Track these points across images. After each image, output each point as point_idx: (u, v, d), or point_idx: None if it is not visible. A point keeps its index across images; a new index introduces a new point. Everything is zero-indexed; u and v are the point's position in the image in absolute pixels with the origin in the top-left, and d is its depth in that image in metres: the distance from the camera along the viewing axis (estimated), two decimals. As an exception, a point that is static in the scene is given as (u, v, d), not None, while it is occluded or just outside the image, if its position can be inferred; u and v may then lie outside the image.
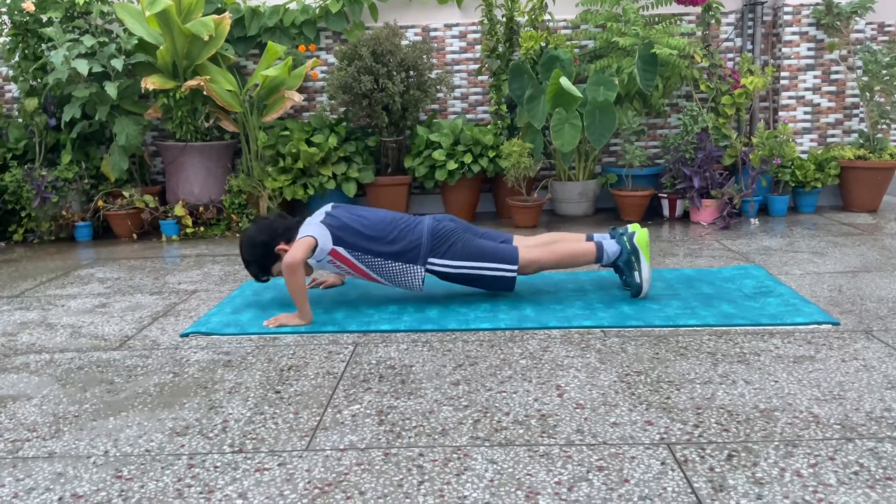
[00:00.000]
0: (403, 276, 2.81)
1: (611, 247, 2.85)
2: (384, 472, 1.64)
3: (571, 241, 2.93)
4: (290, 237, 2.81)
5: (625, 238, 2.84)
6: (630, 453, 1.68)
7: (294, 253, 2.66)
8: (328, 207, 2.88)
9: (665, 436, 1.75)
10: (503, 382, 2.11)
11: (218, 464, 1.70)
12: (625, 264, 2.83)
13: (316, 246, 2.71)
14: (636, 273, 2.81)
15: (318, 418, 1.92)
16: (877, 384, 2.01)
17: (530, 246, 2.90)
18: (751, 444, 1.70)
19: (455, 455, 1.70)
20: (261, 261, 2.85)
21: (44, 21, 4.50)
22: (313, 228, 2.76)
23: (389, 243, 2.77)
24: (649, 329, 2.52)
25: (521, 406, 1.95)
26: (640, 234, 2.83)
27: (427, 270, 2.81)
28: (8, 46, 4.55)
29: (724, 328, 2.51)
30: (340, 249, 2.76)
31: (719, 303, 2.76)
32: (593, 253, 2.86)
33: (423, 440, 1.78)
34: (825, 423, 1.79)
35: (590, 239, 2.93)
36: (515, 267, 2.81)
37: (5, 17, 4.53)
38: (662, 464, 1.63)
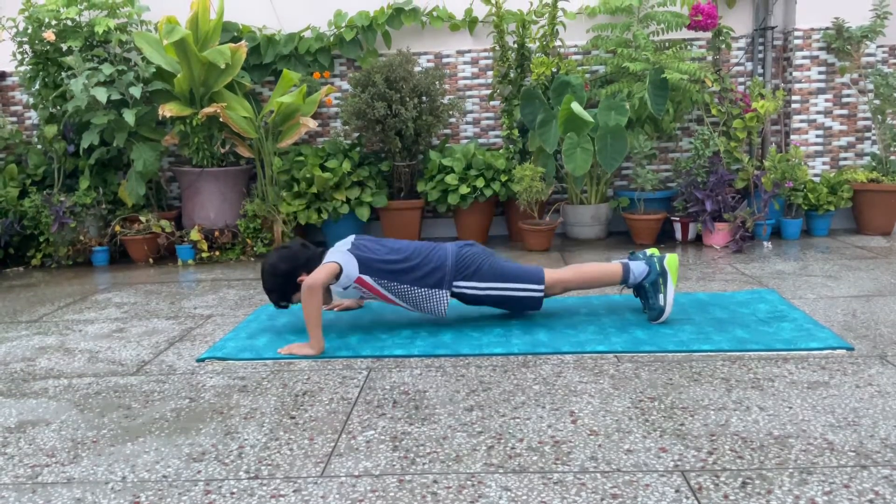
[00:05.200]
0: (428, 302, 2.82)
1: (638, 267, 2.86)
2: (399, 498, 1.65)
3: (597, 264, 2.97)
4: (311, 268, 2.81)
5: (654, 259, 2.85)
6: (644, 481, 1.68)
7: (316, 275, 2.68)
8: (352, 238, 2.90)
9: (679, 463, 1.75)
10: (517, 408, 2.11)
11: (234, 490, 1.72)
12: (651, 285, 2.83)
13: (339, 272, 2.73)
14: (661, 296, 2.81)
15: (332, 444, 1.93)
16: (892, 410, 2.00)
17: (556, 269, 2.93)
18: (765, 471, 1.70)
19: (469, 482, 1.71)
20: (281, 289, 2.88)
21: (64, 50, 4.59)
22: (338, 256, 2.78)
23: (414, 269, 2.79)
24: (663, 354, 2.52)
25: (535, 432, 1.95)
26: (670, 257, 2.85)
27: (454, 294, 2.84)
28: (29, 75, 4.64)
29: (738, 353, 2.51)
30: (366, 278, 2.78)
31: (733, 328, 2.76)
32: (619, 273, 2.87)
33: (437, 467, 1.79)
34: (840, 450, 1.79)
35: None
36: (542, 287, 2.84)
37: (26, 47, 4.62)
38: (677, 491, 1.63)
